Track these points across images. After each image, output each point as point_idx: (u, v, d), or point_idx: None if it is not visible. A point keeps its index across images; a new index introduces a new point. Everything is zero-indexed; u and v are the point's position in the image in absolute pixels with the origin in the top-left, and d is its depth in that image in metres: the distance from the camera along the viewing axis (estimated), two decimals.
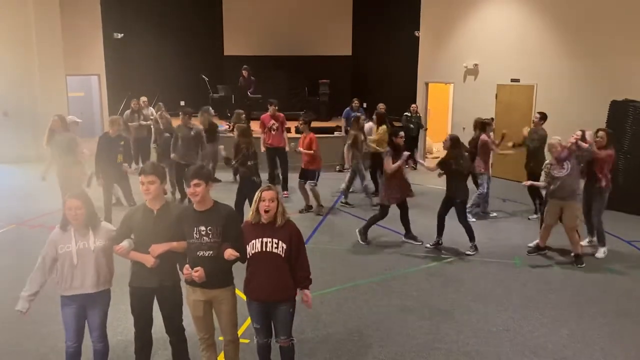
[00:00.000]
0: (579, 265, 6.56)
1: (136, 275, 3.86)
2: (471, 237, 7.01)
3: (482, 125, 8.60)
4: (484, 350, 4.67)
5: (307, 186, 8.70)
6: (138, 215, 3.84)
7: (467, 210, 8.38)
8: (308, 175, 8.62)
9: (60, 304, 3.87)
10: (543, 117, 8.60)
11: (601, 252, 6.92)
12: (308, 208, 8.77)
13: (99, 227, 3.83)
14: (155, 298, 3.95)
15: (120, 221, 3.89)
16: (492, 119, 8.98)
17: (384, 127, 9.42)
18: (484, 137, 8.48)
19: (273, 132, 9.60)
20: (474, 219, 8.40)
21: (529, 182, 7.48)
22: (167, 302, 3.93)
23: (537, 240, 6.98)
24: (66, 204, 3.75)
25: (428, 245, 7.24)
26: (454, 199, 7.01)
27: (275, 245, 3.63)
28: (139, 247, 3.79)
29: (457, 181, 6.93)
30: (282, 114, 9.88)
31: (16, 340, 4.71)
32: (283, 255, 3.64)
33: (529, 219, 8.55)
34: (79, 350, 3.88)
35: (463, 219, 7.00)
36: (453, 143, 6.90)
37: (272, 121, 9.60)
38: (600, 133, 6.86)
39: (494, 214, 8.77)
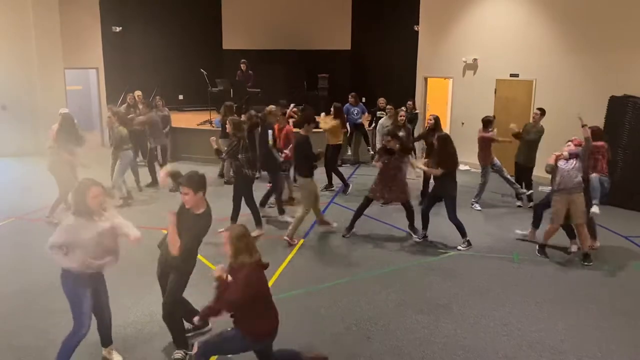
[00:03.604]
0: (586, 264, 6.52)
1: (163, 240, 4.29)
2: (463, 233, 7.05)
3: (485, 122, 8.84)
4: (482, 344, 4.70)
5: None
6: (182, 214, 4.17)
7: (474, 200, 8.75)
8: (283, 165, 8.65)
9: (72, 291, 3.95)
10: (543, 113, 8.80)
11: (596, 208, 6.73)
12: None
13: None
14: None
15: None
16: (494, 116, 9.11)
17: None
18: (485, 133, 8.74)
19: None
20: (479, 208, 8.81)
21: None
22: (170, 281, 4.25)
23: (541, 241, 6.94)
24: (93, 191, 3.85)
25: (416, 239, 7.30)
26: (441, 196, 7.09)
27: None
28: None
29: (444, 178, 6.97)
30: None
31: (15, 334, 4.71)
32: None
33: (530, 204, 8.81)
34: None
35: (453, 216, 7.01)
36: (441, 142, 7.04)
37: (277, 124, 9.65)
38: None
39: (478, 208, 8.90)
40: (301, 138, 7.23)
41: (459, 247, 7.02)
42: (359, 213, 7.42)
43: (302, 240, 7.26)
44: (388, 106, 10.42)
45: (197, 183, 4.08)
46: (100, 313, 4.18)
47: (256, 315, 3.63)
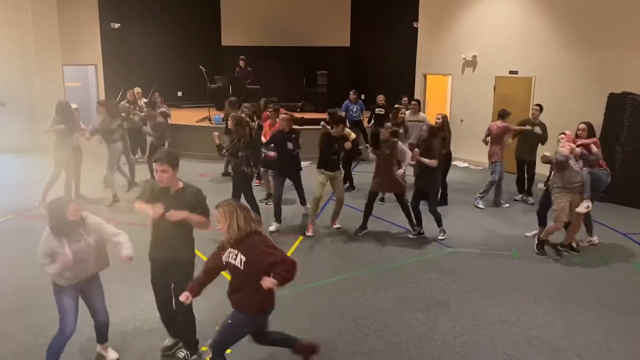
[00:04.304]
0: (574, 252, 6.73)
1: (153, 246, 4.15)
2: (439, 223, 7.28)
3: (501, 114, 8.83)
4: (480, 341, 4.70)
5: (269, 175, 8.75)
6: (157, 193, 4.06)
7: (479, 196, 8.83)
8: (269, 164, 8.64)
9: (55, 293, 3.93)
10: (541, 109, 8.85)
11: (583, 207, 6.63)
12: (269, 196, 8.83)
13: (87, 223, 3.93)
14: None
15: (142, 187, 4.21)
16: (510, 112, 9.00)
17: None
18: (501, 123, 8.69)
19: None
20: (482, 206, 8.75)
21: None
22: (177, 274, 4.12)
23: (540, 237, 6.97)
24: (70, 208, 3.76)
25: (410, 236, 7.34)
26: (424, 191, 7.23)
27: (234, 257, 3.65)
28: (155, 223, 4.04)
29: (426, 173, 7.14)
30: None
31: (14, 330, 4.71)
32: (242, 268, 3.62)
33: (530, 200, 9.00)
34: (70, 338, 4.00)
35: (434, 208, 7.22)
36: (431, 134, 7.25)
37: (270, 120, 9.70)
38: (581, 126, 7.19)
39: (507, 205, 8.90)
40: (322, 133, 7.55)
41: (439, 237, 7.21)
42: (368, 210, 7.46)
43: (300, 237, 7.27)
44: (407, 103, 10.25)
45: (175, 159, 4.04)
46: (93, 315, 4.15)
47: (254, 289, 3.62)
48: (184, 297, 3.73)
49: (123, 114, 10.48)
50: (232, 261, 3.64)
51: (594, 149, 6.81)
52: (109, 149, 8.71)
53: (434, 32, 13.12)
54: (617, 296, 5.66)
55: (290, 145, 7.46)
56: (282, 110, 10.07)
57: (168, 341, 4.41)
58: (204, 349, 4.40)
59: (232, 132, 7.25)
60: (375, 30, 16.39)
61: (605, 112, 9.32)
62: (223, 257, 3.72)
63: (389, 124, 7.37)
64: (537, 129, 8.68)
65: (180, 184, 4.09)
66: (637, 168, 8.89)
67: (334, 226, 7.66)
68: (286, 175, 7.68)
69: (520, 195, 9.21)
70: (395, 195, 7.41)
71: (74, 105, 8.70)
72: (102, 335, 4.26)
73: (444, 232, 7.29)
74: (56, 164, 8.10)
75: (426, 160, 7.08)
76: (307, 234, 7.39)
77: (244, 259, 3.61)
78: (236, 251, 3.64)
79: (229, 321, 3.73)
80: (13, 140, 12.53)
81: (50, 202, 3.91)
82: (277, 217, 7.58)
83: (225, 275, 3.82)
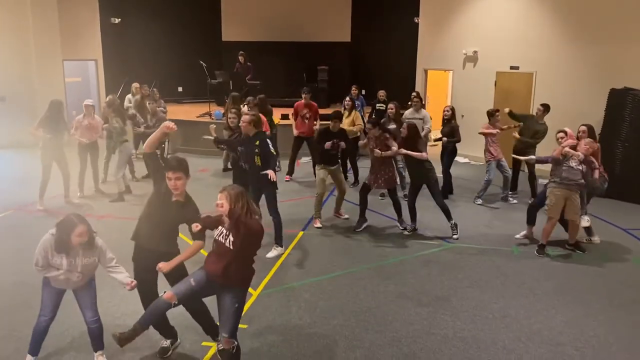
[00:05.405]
0: (579, 251, 6.68)
1: (138, 231, 4.01)
2: (448, 216, 7.21)
3: (488, 115, 8.80)
4: (480, 336, 4.71)
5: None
6: (164, 206, 3.91)
7: (477, 195, 8.84)
8: None
9: (43, 283, 3.95)
10: (546, 109, 8.65)
11: (585, 221, 6.88)
12: None
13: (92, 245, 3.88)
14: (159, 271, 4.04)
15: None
16: (498, 110, 8.99)
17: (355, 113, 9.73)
18: (485, 126, 8.70)
19: (306, 121, 9.61)
20: (479, 202, 8.78)
21: (525, 158, 7.72)
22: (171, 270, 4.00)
23: (527, 236, 7.11)
24: (77, 230, 3.70)
25: (406, 232, 7.33)
26: (423, 183, 7.25)
27: (224, 237, 3.67)
28: (153, 228, 3.92)
29: (416, 166, 7.16)
30: (315, 104, 9.91)
31: (15, 325, 4.72)
32: (231, 248, 3.63)
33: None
34: (49, 325, 3.98)
35: (441, 200, 7.22)
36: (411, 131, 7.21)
37: (306, 110, 9.58)
38: (582, 128, 7.16)
39: (479, 202, 8.83)
40: (320, 129, 7.60)
41: (454, 236, 7.14)
42: (362, 201, 7.46)
43: (301, 233, 7.27)
44: (415, 99, 10.19)
45: (187, 166, 3.92)
46: (84, 318, 4.04)
47: (243, 264, 3.72)
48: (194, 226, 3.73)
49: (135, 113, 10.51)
50: (222, 240, 3.65)
51: (597, 174, 6.66)
52: (120, 149, 8.72)
53: (434, 28, 13.09)
54: (617, 292, 5.67)
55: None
56: (313, 103, 9.78)
57: (164, 343, 4.29)
58: (205, 343, 4.41)
59: (234, 127, 7.26)
60: (376, 26, 16.34)
61: (606, 108, 9.31)
62: (215, 233, 3.72)
63: (369, 126, 7.42)
64: (515, 134, 8.70)
65: (185, 197, 3.95)
66: (637, 164, 8.87)
67: (342, 216, 7.77)
68: (255, 190, 6.37)
69: (506, 193, 9.04)
70: (388, 190, 7.47)
71: (89, 101, 8.70)
72: (94, 342, 4.09)
73: (456, 226, 7.19)
74: (42, 163, 8.00)
75: (419, 154, 7.04)
76: (315, 225, 7.48)
77: (232, 239, 3.63)
78: (227, 232, 3.64)
79: (236, 305, 3.70)
80: (13, 135, 12.52)
81: (62, 219, 3.79)
82: (278, 239, 6.54)
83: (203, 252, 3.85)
